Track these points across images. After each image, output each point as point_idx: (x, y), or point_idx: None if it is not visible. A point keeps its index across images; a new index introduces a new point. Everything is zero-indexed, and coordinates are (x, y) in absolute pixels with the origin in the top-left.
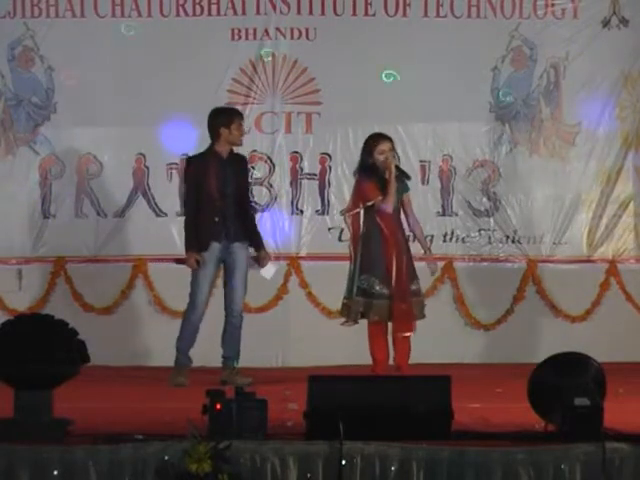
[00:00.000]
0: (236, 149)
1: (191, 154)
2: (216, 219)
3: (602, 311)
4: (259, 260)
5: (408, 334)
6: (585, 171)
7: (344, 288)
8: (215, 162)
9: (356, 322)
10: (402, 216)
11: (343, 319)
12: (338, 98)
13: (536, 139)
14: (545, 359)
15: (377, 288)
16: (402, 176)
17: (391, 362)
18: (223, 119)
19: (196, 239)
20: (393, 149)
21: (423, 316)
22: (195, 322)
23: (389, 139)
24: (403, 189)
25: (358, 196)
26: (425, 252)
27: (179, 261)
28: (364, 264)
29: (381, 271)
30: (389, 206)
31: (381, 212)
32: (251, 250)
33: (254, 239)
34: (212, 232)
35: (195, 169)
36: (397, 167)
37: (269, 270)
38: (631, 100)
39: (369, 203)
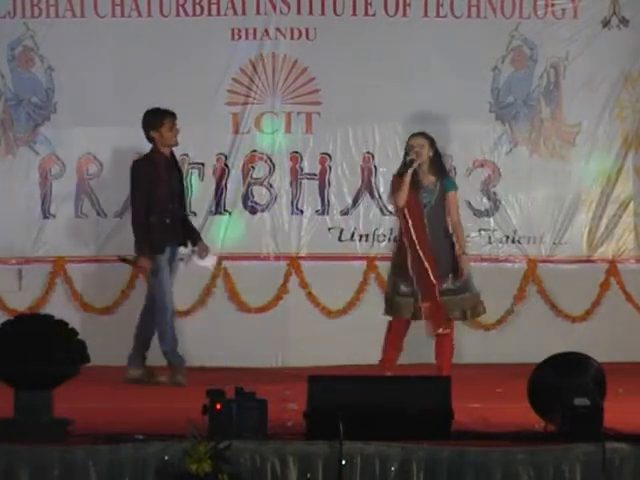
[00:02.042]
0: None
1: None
2: (167, 221)
3: (602, 311)
4: (199, 252)
5: (439, 331)
6: (585, 171)
7: (344, 288)
8: (162, 165)
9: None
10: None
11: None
12: (338, 98)
13: (536, 139)
14: (545, 359)
15: (402, 286)
16: (441, 173)
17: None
18: (152, 122)
19: (150, 243)
20: (427, 145)
21: (463, 316)
22: (171, 322)
23: (421, 135)
24: (446, 187)
25: (390, 195)
26: (459, 254)
27: (125, 261)
28: (393, 262)
29: (404, 269)
30: (398, 200)
31: (408, 209)
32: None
33: (192, 234)
34: (166, 235)
35: (144, 172)
36: (433, 162)
37: (210, 261)
38: (631, 100)
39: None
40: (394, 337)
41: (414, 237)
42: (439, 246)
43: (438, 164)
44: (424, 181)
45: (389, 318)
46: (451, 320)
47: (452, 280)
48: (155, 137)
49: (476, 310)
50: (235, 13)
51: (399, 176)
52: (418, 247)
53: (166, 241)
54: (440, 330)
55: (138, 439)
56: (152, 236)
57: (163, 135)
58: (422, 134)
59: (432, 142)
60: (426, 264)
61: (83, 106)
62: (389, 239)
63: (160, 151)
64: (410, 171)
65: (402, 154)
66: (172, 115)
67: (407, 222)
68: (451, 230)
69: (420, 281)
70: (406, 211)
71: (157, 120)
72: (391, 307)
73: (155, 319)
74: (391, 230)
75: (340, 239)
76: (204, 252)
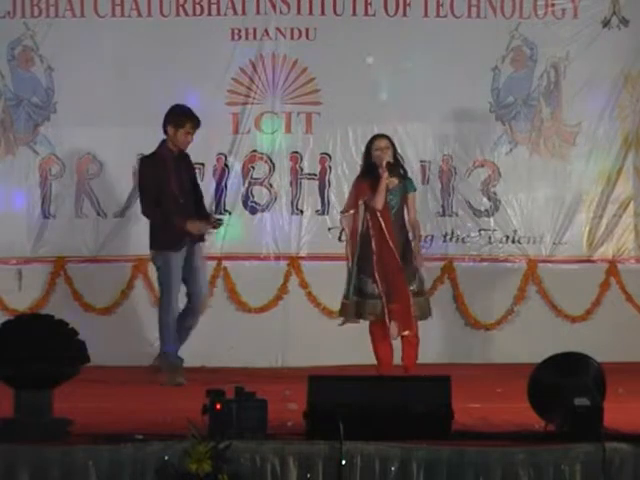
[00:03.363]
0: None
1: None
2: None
3: (602, 311)
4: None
5: (405, 334)
6: (585, 171)
7: (344, 288)
8: (171, 160)
9: (356, 321)
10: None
11: (342, 319)
12: (338, 98)
13: (536, 139)
14: (545, 359)
15: (370, 288)
16: (403, 174)
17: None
18: (176, 119)
19: (163, 238)
20: (391, 147)
21: (425, 317)
22: (173, 323)
23: (385, 137)
24: (406, 188)
25: (351, 196)
26: (415, 253)
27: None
28: (360, 264)
29: (373, 271)
30: (377, 203)
31: (377, 210)
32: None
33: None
34: (177, 233)
35: (153, 167)
36: (395, 165)
37: None
38: (631, 100)
39: (360, 202)
40: (379, 340)
41: (387, 238)
42: (405, 247)
43: (399, 165)
44: (389, 183)
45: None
46: (416, 321)
47: (419, 281)
48: (170, 133)
49: (425, 312)
50: (235, 13)
51: (362, 179)
52: (393, 248)
53: (178, 238)
54: (406, 332)
55: (138, 439)
56: (161, 233)
57: (177, 136)
58: (385, 136)
59: (393, 144)
60: (398, 265)
61: (83, 106)
62: None
63: (169, 147)
64: (385, 174)
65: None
66: (196, 121)
67: (380, 223)
68: (410, 231)
69: (391, 282)
70: (378, 213)
71: (180, 120)
72: (355, 310)
73: (159, 317)
74: None
75: (340, 239)
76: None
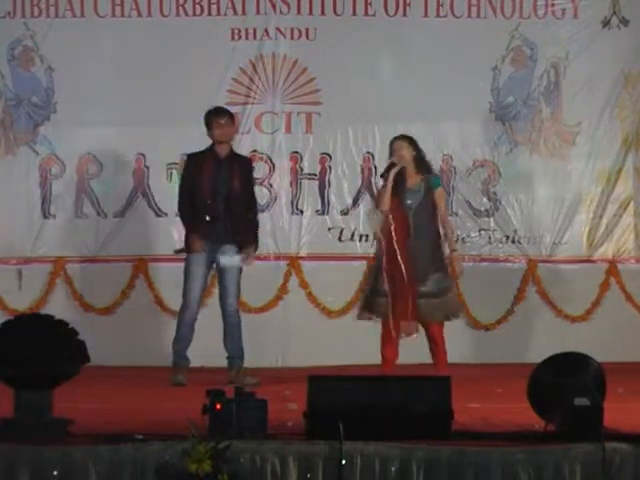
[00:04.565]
0: (239, 150)
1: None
2: (207, 218)
3: (602, 311)
4: (243, 260)
5: (403, 335)
6: (585, 171)
7: (344, 288)
8: (210, 161)
9: (369, 317)
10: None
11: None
12: (338, 98)
13: (536, 139)
14: (545, 359)
15: (380, 286)
16: (426, 172)
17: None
18: (207, 121)
19: (196, 233)
20: (408, 147)
21: (447, 318)
22: (189, 322)
23: (401, 138)
24: (432, 184)
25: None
26: (450, 252)
27: (179, 251)
28: (377, 263)
29: (382, 270)
30: (380, 204)
31: (391, 213)
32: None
33: (240, 239)
34: (203, 231)
35: (191, 167)
36: (417, 162)
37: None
38: (631, 100)
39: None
40: (387, 338)
41: (394, 240)
42: (423, 247)
43: (422, 163)
44: (409, 182)
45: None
46: (427, 323)
47: (435, 282)
48: (210, 136)
49: (457, 313)
50: (235, 13)
51: (383, 179)
52: (397, 249)
53: (202, 237)
54: (403, 335)
55: (138, 439)
56: (186, 234)
57: (215, 135)
58: (402, 136)
59: (412, 142)
60: (402, 266)
61: (83, 106)
62: None
63: (214, 150)
64: (391, 176)
65: (420, 152)
66: (222, 112)
67: (389, 225)
68: (441, 229)
69: (397, 282)
70: (390, 214)
71: (209, 120)
72: (366, 304)
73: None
74: None
75: (340, 239)
76: (249, 260)
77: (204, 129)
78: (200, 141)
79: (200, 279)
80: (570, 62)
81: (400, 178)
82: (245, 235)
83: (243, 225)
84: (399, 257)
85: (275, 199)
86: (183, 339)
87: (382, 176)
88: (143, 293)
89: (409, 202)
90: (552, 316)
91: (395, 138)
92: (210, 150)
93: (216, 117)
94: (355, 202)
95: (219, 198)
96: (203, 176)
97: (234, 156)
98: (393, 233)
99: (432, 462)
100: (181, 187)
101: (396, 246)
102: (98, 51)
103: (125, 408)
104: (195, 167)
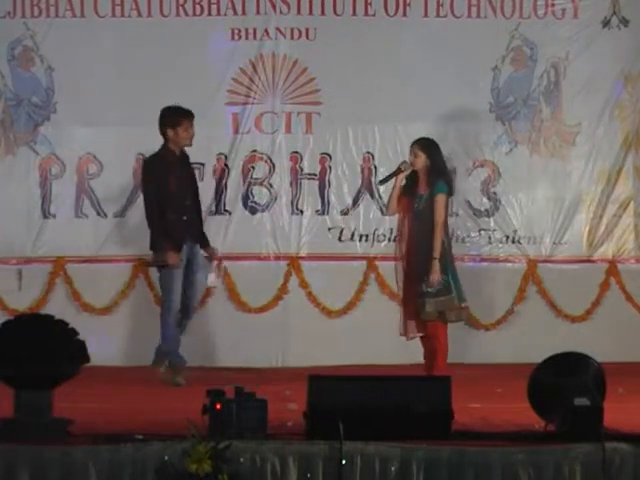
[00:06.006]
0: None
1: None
2: (184, 218)
3: (602, 311)
4: (211, 256)
5: (411, 336)
6: (585, 171)
7: (344, 288)
8: (173, 161)
9: None
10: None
11: None
12: (338, 98)
13: (536, 139)
14: (545, 359)
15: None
16: (435, 179)
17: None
18: (169, 120)
19: (170, 239)
20: (423, 154)
21: (442, 318)
22: (174, 323)
23: (421, 145)
24: (435, 189)
25: None
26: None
27: (152, 263)
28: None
29: (396, 272)
30: (389, 208)
31: (403, 215)
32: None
33: (203, 238)
34: (183, 232)
35: (155, 169)
36: (430, 170)
37: (211, 278)
38: (631, 100)
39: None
40: None
41: (402, 241)
42: (424, 250)
43: (434, 172)
44: (420, 188)
45: (388, 318)
46: (426, 323)
47: (427, 283)
48: (170, 135)
49: (459, 314)
50: (235, 13)
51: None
52: (404, 251)
53: (183, 238)
54: (410, 335)
55: (138, 439)
56: (170, 234)
57: (179, 135)
58: (422, 144)
59: (429, 150)
60: (406, 267)
61: (83, 106)
62: (389, 239)
63: (171, 149)
64: (400, 181)
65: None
66: (191, 116)
67: (401, 228)
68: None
69: (404, 283)
70: (405, 217)
71: (176, 119)
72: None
73: (161, 317)
74: (391, 230)
75: (340, 239)
76: (212, 255)
77: (204, 129)
78: (200, 141)
79: (181, 280)
80: (570, 62)
81: (411, 181)
82: (204, 234)
83: (201, 224)
84: (413, 257)
85: (275, 199)
86: (174, 339)
87: (380, 183)
88: (143, 293)
89: (416, 206)
90: (552, 316)
91: (415, 142)
92: (167, 150)
93: (186, 119)
94: (355, 202)
95: (191, 197)
96: (170, 177)
97: (184, 155)
98: (400, 235)
99: (432, 462)
100: (147, 191)
101: (404, 246)
102: (98, 51)
103: (125, 408)
104: (160, 168)
